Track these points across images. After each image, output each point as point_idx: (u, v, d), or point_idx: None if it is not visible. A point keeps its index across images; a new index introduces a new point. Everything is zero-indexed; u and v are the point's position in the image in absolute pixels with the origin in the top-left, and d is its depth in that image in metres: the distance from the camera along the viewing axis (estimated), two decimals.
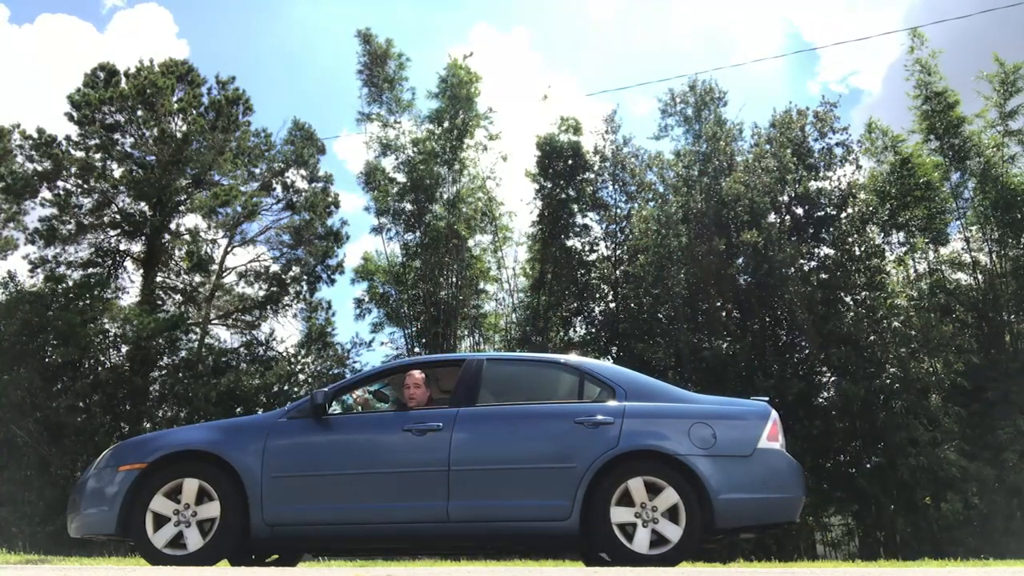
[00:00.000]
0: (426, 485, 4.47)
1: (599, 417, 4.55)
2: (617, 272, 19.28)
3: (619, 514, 4.37)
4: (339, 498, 4.51)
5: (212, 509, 4.48)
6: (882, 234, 17.66)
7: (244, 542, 4.52)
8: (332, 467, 4.58)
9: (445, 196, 19.54)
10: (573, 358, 5.27)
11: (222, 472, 4.54)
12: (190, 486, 4.51)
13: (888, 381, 15.31)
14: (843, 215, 17.63)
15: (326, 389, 4.80)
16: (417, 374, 5.03)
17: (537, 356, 6.00)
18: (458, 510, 4.42)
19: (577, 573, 4.44)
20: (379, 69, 19.90)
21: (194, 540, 4.43)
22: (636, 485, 4.39)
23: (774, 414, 4.73)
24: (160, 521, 4.48)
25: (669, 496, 4.37)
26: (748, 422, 4.64)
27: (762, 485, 4.48)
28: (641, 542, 4.33)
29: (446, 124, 19.62)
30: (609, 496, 4.38)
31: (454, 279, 19.36)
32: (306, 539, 4.64)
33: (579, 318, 19.52)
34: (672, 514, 4.37)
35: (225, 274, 21.49)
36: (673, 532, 4.33)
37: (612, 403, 4.67)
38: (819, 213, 17.74)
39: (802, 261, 17.24)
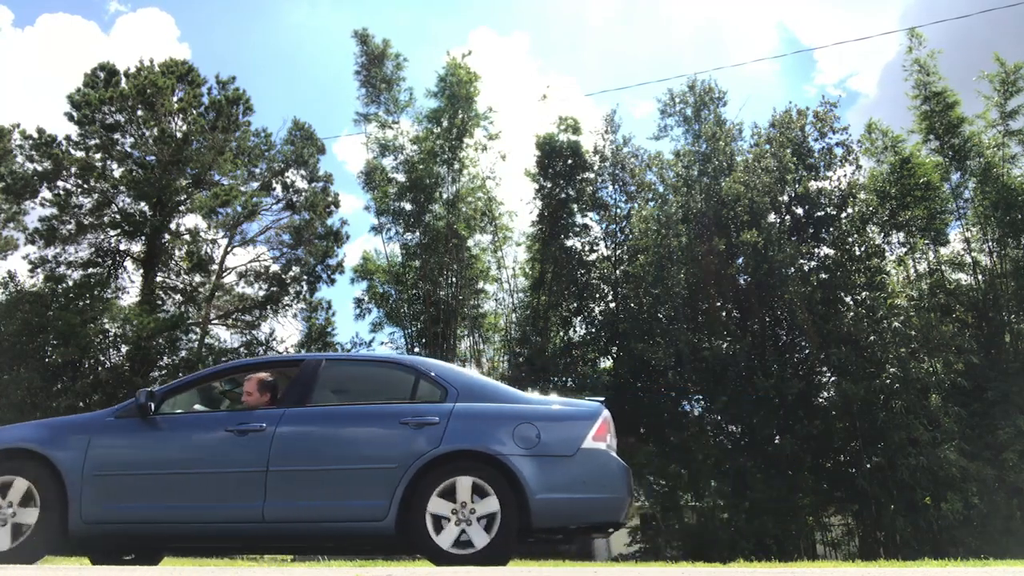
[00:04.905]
0: (243, 486, 4.45)
1: (425, 418, 4.51)
2: (617, 272, 19.26)
3: (437, 505, 4.33)
4: (158, 497, 4.49)
5: (33, 508, 4.45)
6: (882, 234, 17.64)
7: (62, 541, 4.50)
8: (152, 466, 4.57)
9: (445, 196, 19.53)
10: (410, 358, 5.25)
11: (46, 470, 4.51)
12: (20, 485, 4.47)
13: (888, 381, 15.28)
14: (843, 215, 17.61)
15: (152, 389, 4.79)
16: (255, 378, 4.97)
17: (376, 356, 5.97)
18: (273, 511, 4.39)
19: (575, 572, 4.44)
20: (376, 69, 19.88)
21: (2, 539, 4.38)
22: (463, 484, 4.34)
23: (605, 414, 4.67)
24: None
25: (491, 503, 4.31)
26: (575, 422, 4.58)
27: (582, 485, 4.40)
28: (446, 538, 4.28)
29: (445, 124, 19.60)
30: (429, 492, 4.33)
31: (454, 279, 19.34)
32: (125, 537, 4.62)
33: (579, 318, 19.51)
34: (488, 521, 4.30)
35: (225, 274, 21.53)
36: (480, 539, 4.26)
37: (441, 403, 4.63)
38: (819, 213, 17.72)
39: (802, 261, 17.23)
